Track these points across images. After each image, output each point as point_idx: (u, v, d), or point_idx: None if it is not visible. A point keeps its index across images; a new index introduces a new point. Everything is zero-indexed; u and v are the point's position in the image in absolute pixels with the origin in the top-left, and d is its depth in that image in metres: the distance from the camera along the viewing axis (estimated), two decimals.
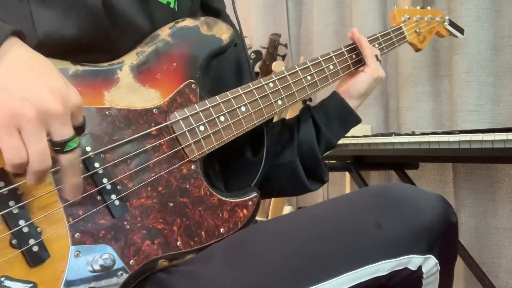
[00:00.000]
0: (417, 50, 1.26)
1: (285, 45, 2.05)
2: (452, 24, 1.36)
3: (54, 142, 0.52)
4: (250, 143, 0.92)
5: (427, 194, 0.69)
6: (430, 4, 1.30)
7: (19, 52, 0.52)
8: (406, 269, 0.64)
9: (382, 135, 1.43)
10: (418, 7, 1.27)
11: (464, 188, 1.51)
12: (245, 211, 0.75)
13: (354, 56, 0.98)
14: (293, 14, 2.08)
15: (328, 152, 0.95)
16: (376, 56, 1.00)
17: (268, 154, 0.90)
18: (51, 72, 0.54)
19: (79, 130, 0.55)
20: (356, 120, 0.96)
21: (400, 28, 1.15)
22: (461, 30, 1.39)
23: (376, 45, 1.04)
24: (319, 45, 1.91)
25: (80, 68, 0.64)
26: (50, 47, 0.56)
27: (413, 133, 1.38)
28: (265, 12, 2.11)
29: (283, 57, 2.05)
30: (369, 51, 0.98)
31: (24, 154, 0.50)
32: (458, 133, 1.16)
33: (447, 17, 1.34)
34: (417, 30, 1.21)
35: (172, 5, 0.77)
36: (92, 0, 0.64)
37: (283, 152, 0.92)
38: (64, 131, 0.52)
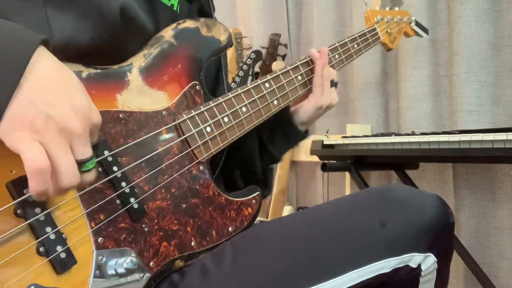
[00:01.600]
0: (388, 50, 1.30)
1: (285, 45, 2.05)
2: (417, 24, 1.40)
3: None
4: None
5: (427, 195, 0.71)
6: (398, 5, 1.34)
7: (46, 65, 0.52)
8: (406, 266, 0.66)
9: (382, 135, 1.43)
10: (387, 8, 1.30)
11: (464, 188, 1.51)
12: (249, 209, 0.77)
13: (337, 56, 1.03)
14: (293, 14, 2.08)
15: (273, 164, 0.96)
16: (332, 80, 0.97)
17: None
18: (75, 88, 0.53)
19: (94, 148, 0.55)
20: (302, 137, 0.96)
21: (375, 29, 1.19)
22: (426, 30, 1.44)
23: (355, 45, 1.07)
24: (319, 45, 1.89)
25: (92, 71, 0.64)
26: (65, 52, 0.56)
27: (413, 133, 1.38)
28: (265, 12, 2.11)
29: (283, 57, 2.05)
30: (318, 81, 0.95)
31: (47, 161, 0.48)
32: (458, 133, 1.16)
33: (413, 18, 1.40)
34: (388, 30, 1.25)
35: (175, 8, 0.78)
36: (109, 6, 0.64)
37: (227, 166, 0.91)
38: (83, 151, 0.52)
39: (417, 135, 1.30)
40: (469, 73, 1.47)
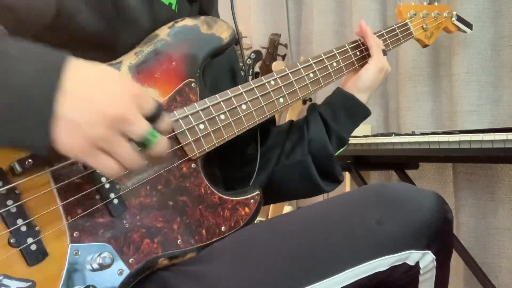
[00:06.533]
0: (425, 46, 1.23)
1: (285, 45, 2.05)
2: (460, 19, 1.34)
3: (137, 143, 0.55)
4: (254, 141, 0.91)
5: (425, 192, 0.71)
6: (437, 0, 1.29)
7: (72, 79, 0.53)
8: (404, 264, 0.66)
9: (382, 135, 1.43)
10: (424, 3, 1.25)
11: (464, 188, 1.51)
12: (246, 209, 0.75)
13: (358, 53, 0.97)
14: (293, 14, 2.08)
15: (341, 150, 0.93)
16: (383, 50, 0.98)
17: (270, 150, 0.89)
18: (102, 78, 0.56)
19: (155, 116, 0.57)
20: (365, 111, 0.94)
21: (406, 24, 1.13)
22: (469, 25, 1.37)
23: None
24: (319, 45, 1.90)
25: None
26: (60, 30, 0.58)
27: (413, 133, 1.38)
28: (265, 12, 2.11)
29: (283, 57, 2.05)
30: (375, 41, 0.96)
31: (116, 166, 0.54)
32: (458, 133, 1.16)
33: (454, 13, 1.32)
34: (424, 26, 1.18)
35: (173, 7, 0.78)
36: None
37: (293, 152, 0.90)
38: (138, 129, 0.54)
39: (417, 135, 1.30)
40: (469, 73, 1.47)
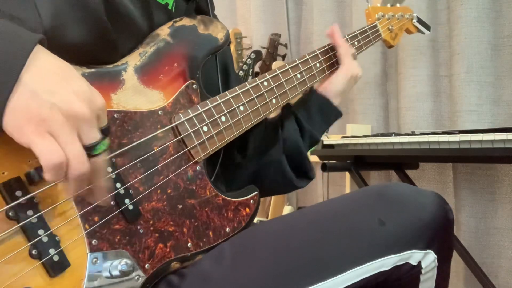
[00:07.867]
0: (390, 46, 1.29)
1: (285, 45, 2.05)
2: (419, 21, 1.39)
3: (83, 146, 0.52)
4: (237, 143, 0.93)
5: (425, 192, 0.72)
6: (400, 2, 1.34)
7: (44, 59, 0.53)
8: (407, 263, 0.67)
9: (382, 135, 1.43)
10: (388, 5, 1.30)
11: (464, 188, 1.51)
12: (247, 209, 0.76)
13: (333, 56, 1.00)
14: (293, 14, 2.08)
15: (313, 148, 0.97)
16: (353, 54, 1.01)
17: (253, 153, 0.92)
18: (74, 76, 0.54)
19: (104, 132, 0.56)
20: (337, 114, 0.98)
21: (376, 25, 1.17)
22: (427, 27, 1.43)
23: (356, 43, 1.06)
24: (319, 45, 1.88)
25: (86, 70, 0.64)
26: (56, 41, 0.57)
27: (413, 133, 1.38)
28: (265, 12, 2.11)
29: (283, 57, 2.05)
30: (344, 50, 0.99)
31: (62, 153, 0.50)
32: (458, 133, 1.16)
33: (415, 14, 1.38)
34: (390, 27, 1.24)
35: (170, 7, 0.78)
36: None
37: (269, 151, 0.92)
38: (92, 134, 0.53)
39: (417, 135, 1.30)
40: (469, 73, 1.47)
